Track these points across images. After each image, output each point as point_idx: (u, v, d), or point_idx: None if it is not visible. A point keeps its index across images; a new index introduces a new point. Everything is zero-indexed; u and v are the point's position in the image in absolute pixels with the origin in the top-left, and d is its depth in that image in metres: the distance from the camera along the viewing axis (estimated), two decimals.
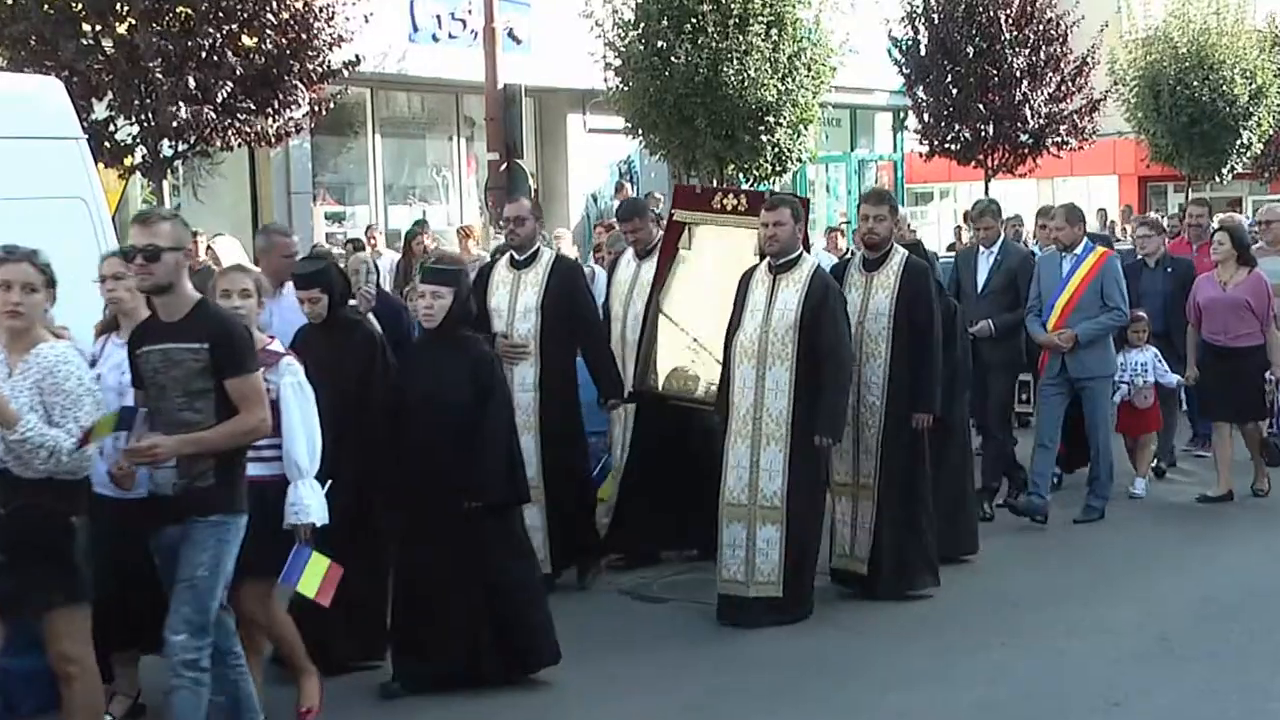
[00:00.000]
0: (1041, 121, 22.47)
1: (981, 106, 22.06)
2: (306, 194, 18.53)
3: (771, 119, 17.33)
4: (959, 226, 23.82)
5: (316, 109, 14.59)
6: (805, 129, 18.07)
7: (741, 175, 18.33)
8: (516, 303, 7.63)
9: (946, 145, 22.83)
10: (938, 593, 7.56)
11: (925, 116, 22.88)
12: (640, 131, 18.10)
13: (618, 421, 8.26)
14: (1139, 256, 10.86)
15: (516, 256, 7.71)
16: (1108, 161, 31.41)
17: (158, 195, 14.06)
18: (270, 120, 13.98)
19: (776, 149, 17.74)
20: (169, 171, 14.22)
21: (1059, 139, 22.83)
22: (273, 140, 14.30)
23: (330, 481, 5.59)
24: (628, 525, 8.11)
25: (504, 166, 16.03)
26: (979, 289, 9.41)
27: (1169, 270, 10.65)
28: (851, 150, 27.82)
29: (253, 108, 13.74)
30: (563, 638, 6.32)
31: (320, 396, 5.55)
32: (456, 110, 21.03)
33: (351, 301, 6.64)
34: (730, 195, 7.98)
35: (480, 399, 5.92)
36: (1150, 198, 33.36)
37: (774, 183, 18.90)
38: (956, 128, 22.48)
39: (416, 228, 14.30)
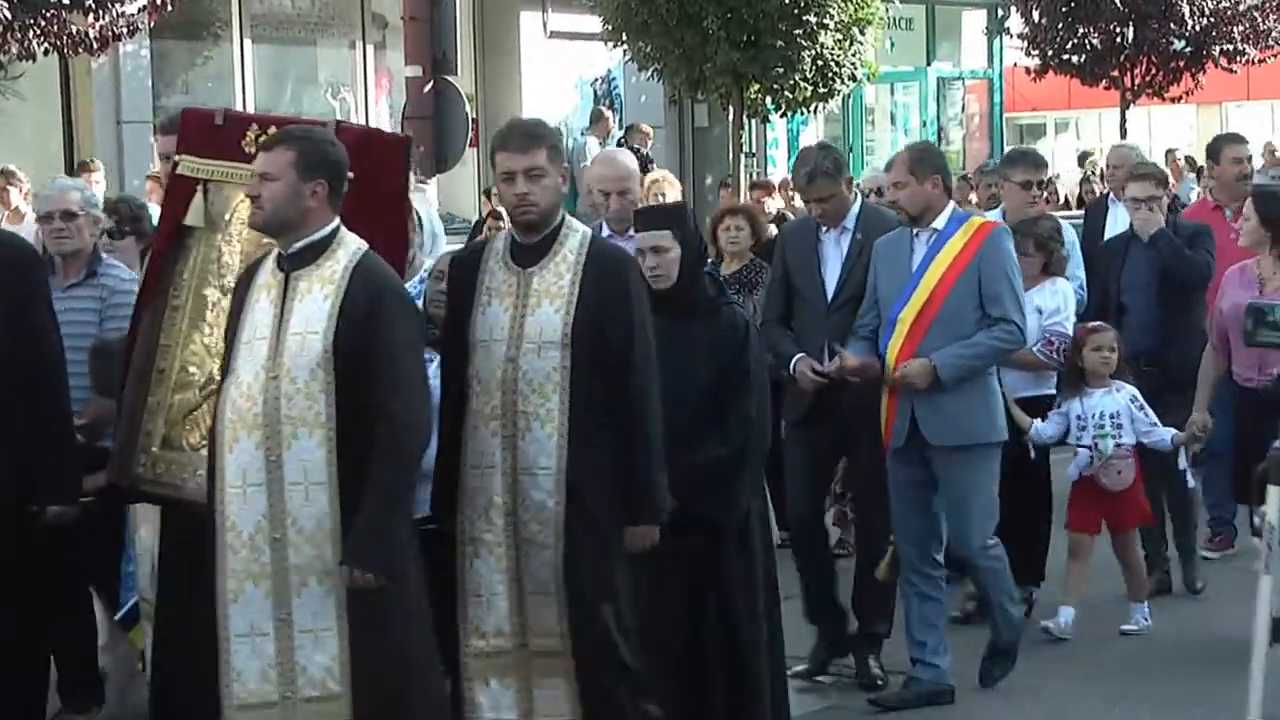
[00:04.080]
0: (1205, 21, 22.60)
1: (1117, 0, 22.19)
2: (144, 124, 18.54)
3: (812, 18, 17.43)
4: (1089, 175, 23.88)
5: (159, 2, 14.63)
6: (861, 33, 18.16)
7: (770, 99, 18.42)
8: None
9: (1066, 57, 22.97)
10: None
11: (1036, 16, 23.01)
12: (625, 37, 18.16)
13: (146, 520, 6.80)
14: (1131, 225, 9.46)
15: None
16: None
17: None
18: (91, 18, 14.04)
19: (820, 61, 17.83)
20: None
21: (1230, 47, 22.96)
22: (95, 46, 14.35)
23: None
24: None
25: (429, 86, 16.07)
26: (829, 295, 7.94)
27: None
28: (928, 64, 27.95)
29: (65, 1, 13.79)
30: None
31: None
32: (361, 5, 21.10)
33: None
34: (275, 130, 6.33)
35: None
36: None
37: (815, 109, 18.99)
38: (1080, 32, 22.62)
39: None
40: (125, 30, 14.44)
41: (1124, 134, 23.85)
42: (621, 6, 17.68)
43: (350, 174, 5.87)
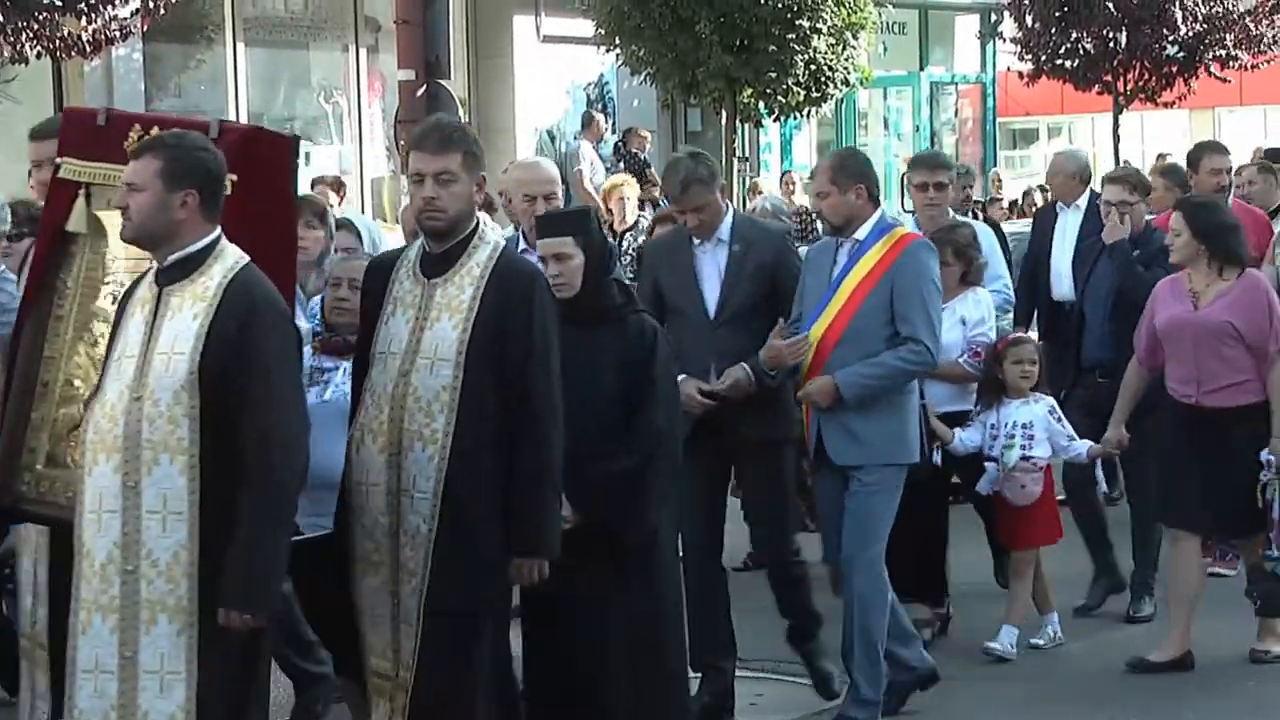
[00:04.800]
0: (1199, 27, 22.66)
1: (1110, 5, 22.26)
2: None
3: (805, 23, 17.51)
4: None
5: (151, 5, 14.72)
6: (854, 37, 18.25)
7: (762, 104, 18.50)
8: None
9: (1059, 62, 23.02)
10: None
11: (1029, 20, 23.07)
12: (618, 41, 18.25)
13: (26, 544, 6.50)
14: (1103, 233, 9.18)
15: None
16: None
17: None
18: (84, 21, 14.14)
19: (813, 66, 17.91)
20: None
21: (1223, 52, 23.02)
22: (88, 49, 14.45)
23: None
24: None
25: (422, 90, 16.14)
26: (710, 310, 7.56)
27: (1138, 253, 8.97)
28: (921, 69, 28.05)
29: (58, 3, 13.89)
30: None
31: None
32: (354, 8, 21.17)
33: None
34: (158, 130, 5.98)
35: None
36: None
37: (808, 114, 19.08)
38: (1074, 36, 22.67)
39: None
40: (118, 33, 14.52)
41: (1117, 139, 23.96)
42: (614, 10, 17.75)
43: (233, 177, 5.62)
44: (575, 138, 21.08)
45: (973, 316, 8.31)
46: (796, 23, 17.44)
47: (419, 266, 6.00)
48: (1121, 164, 12.55)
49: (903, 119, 27.90)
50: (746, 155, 22.24)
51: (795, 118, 19.63)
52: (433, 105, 16.02)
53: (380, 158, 20.81)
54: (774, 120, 20.02)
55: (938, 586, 8.52)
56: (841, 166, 7.38)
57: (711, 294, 7.53)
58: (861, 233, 7.28)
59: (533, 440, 5.80)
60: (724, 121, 19.13)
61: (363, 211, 18.50)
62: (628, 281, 7.09)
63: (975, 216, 11.67)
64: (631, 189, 12.07)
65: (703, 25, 17.32)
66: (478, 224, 6.01)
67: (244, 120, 19.92)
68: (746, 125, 20.52)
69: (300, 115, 21.07)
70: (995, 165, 27.25)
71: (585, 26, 18.96)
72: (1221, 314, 7.93)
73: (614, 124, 21.52)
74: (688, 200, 7.50)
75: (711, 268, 7.56)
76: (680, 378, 7.11)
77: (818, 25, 17.60)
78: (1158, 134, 30.99)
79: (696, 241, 7.58)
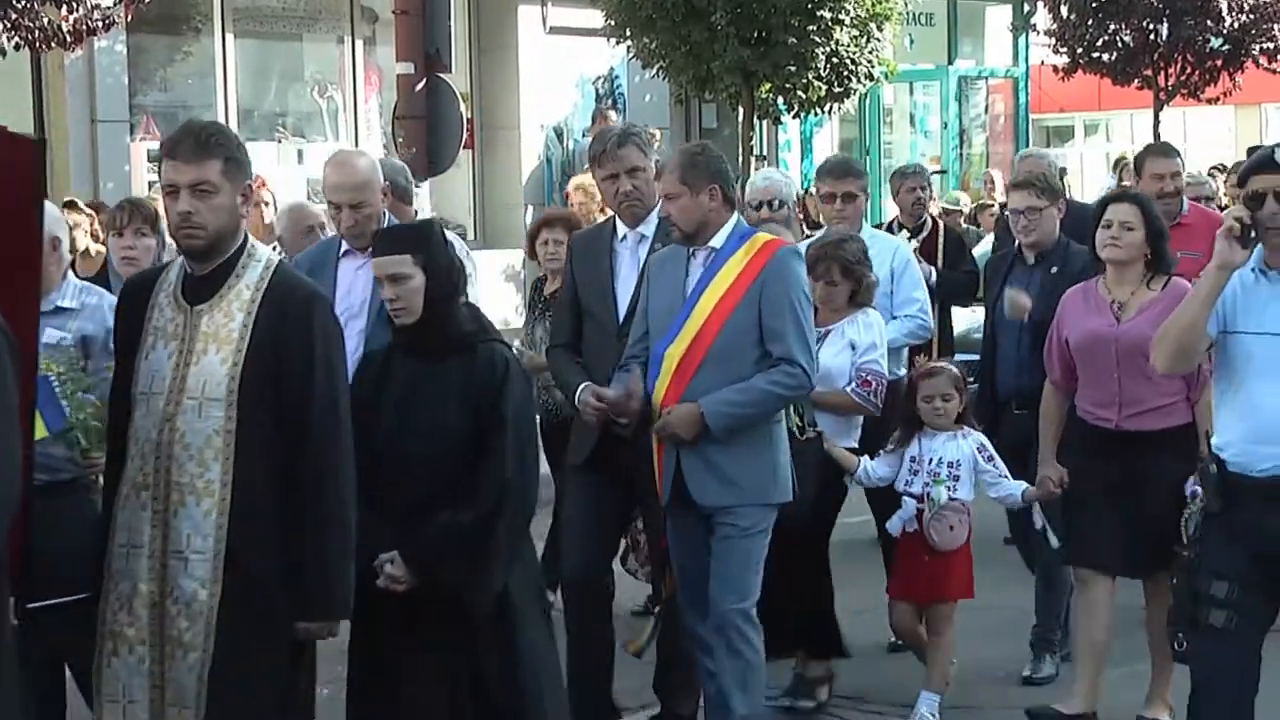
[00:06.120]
0: (1245, 18, 22.58)
1: None
2: (120, 123, 18.58)
3: (827, 13, 17.45)
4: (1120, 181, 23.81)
5: None
6: (879, 29, 18.16)
7: (781, 99, 18.40)
8: None
9: (1096, 55, 22.93)
10: None
11: (1064, 11, 22.98)
12: (628, 33, 18.16)
13: None
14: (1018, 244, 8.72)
15: None
16: None
17: None
18: (64, 10, 14.03)
19: (835, 59, 17.85)
20: None
21: (1270, 45, 22.94)
22: (68, 40, 14.34)
23: None
24: None
25: (422, 84, 16.07)
26: (619, 315, 7.18)
27: (1056, 270, 8.43)
28: (950, 63, 27.99)
29: None
30: None
31: None
32: None
33: None
34: None
35: None
36: None
37: (830, 110, 18.98)
38: (1111, 28, 22.59)
39: None
40: (100, 24, 14.46)
41: (1157, 137, 23.83)
42: (625, 1, 17.69)
43: None
44: (584, 135, 20.99)
45: (863, 341, 7.77)
46: (817, 13, 17.40)
47: (180, 291, 5.53)
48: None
49: (930, 115, 27.91)
50: (765, 154, 22.19)
51: (816, 114, 19.53)
52: (433, 100, 15.97)
53: (377, 155, 20.75)
54: (793, 117, 19.95)
55: (832, 638, 7.99)
56: (693, 165, 6.78)
57: (625, 296, 7.11)
58: (718, 240, 6.77)
59: (315, 483, 5.39)
60: (740, 118, 19.04)
61: None
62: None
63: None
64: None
65: (718, 16, 17.28)
66: (246, 240, 5.58)
67: (233, 115, 19.94)
68: (764, 122, 20.47)
69: (293, 110, 21.04)
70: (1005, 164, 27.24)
71: (594, 17, 18.86)
72: (1147, 328, 7.11)
73: (624, 120, 21.43)
74: (622, 159, 7.04)
75: (630, 266, 7.16)
76: (582, 385, 6.87)
77: (840, 16, 17.57)
78: (1201, 132, 30.87)
79: (620, 236, 7.19)
